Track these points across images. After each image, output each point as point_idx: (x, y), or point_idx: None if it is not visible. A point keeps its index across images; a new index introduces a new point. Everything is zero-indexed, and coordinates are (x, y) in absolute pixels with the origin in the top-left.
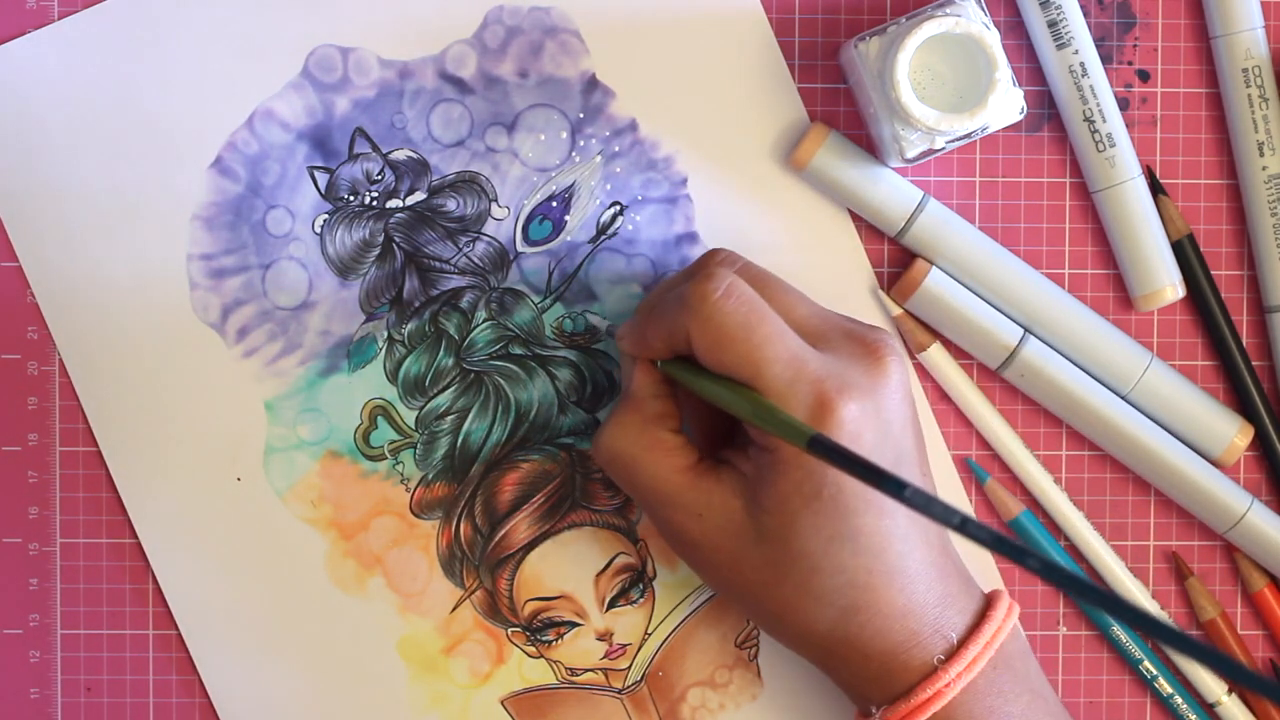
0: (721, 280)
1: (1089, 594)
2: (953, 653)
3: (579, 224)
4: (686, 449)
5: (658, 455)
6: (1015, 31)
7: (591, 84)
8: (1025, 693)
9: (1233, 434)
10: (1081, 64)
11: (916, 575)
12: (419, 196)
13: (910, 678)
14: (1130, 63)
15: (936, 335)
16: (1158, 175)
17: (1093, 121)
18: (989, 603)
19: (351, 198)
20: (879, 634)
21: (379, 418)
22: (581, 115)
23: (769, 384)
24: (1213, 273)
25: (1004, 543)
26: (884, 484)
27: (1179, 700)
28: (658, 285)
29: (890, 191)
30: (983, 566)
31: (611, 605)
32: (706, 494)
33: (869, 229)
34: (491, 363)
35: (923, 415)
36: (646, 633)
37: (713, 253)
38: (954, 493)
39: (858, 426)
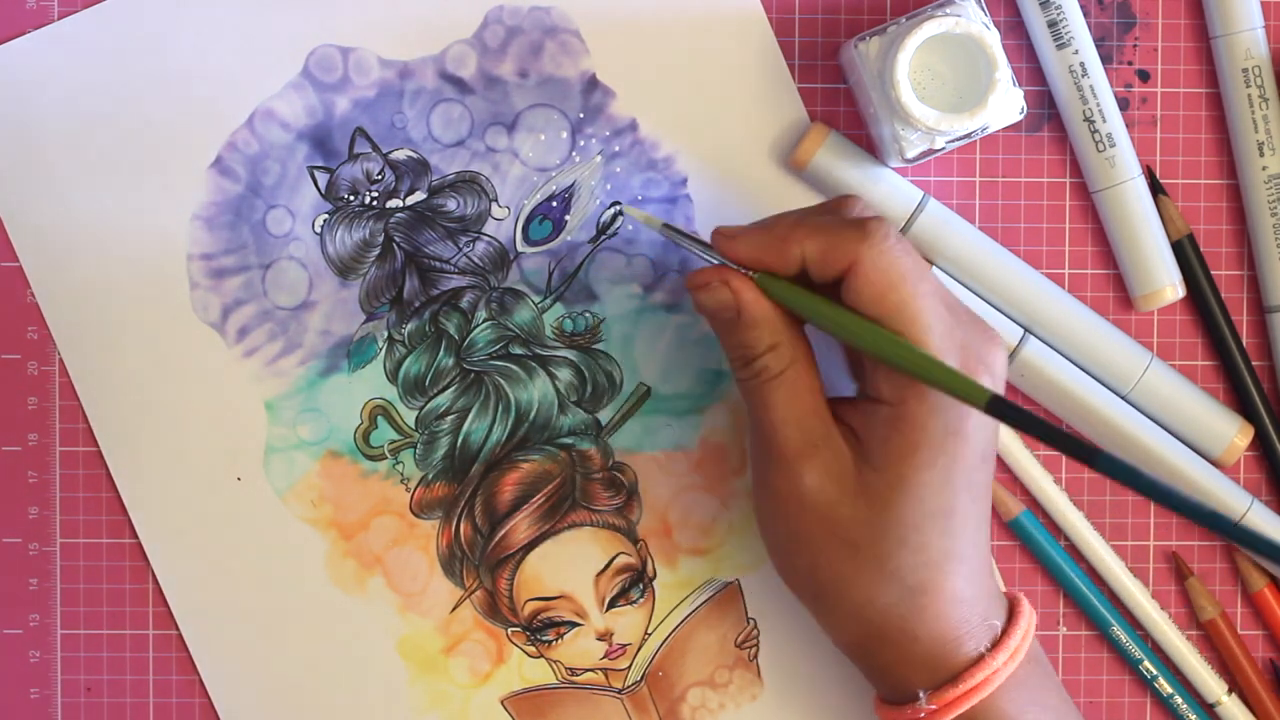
0: (888, 226)
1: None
2: (997, 642)
3: (579, 224)
4: (818, 378)
5: (803, 376)
6: (1015, 31)
7: (591, 84)
8: (1055, 690)
9: (1233, 434)
10: (1081, 64)
11: (979, 566)
12: (419, 196)
13: (959, 664)
14: (1130, 63)
15: None
16: (1158, 175)
17: (1093, 121)
18: (1013, 600)
19: (351, 197)
20: (937, 618)
21: (379, 418)
22: (581, 115)
23: (926, 332)
24: (1213, 273)
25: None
26: (1069, 448)
27: (1179, 700)
28: (787, 214)
29: (890, 191)
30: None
31: (611, 605)
32: (828, 425)
33: None
34: (491, 363)
35: None
36: (646, 633)
37: (856, 198)
38: None
39: None
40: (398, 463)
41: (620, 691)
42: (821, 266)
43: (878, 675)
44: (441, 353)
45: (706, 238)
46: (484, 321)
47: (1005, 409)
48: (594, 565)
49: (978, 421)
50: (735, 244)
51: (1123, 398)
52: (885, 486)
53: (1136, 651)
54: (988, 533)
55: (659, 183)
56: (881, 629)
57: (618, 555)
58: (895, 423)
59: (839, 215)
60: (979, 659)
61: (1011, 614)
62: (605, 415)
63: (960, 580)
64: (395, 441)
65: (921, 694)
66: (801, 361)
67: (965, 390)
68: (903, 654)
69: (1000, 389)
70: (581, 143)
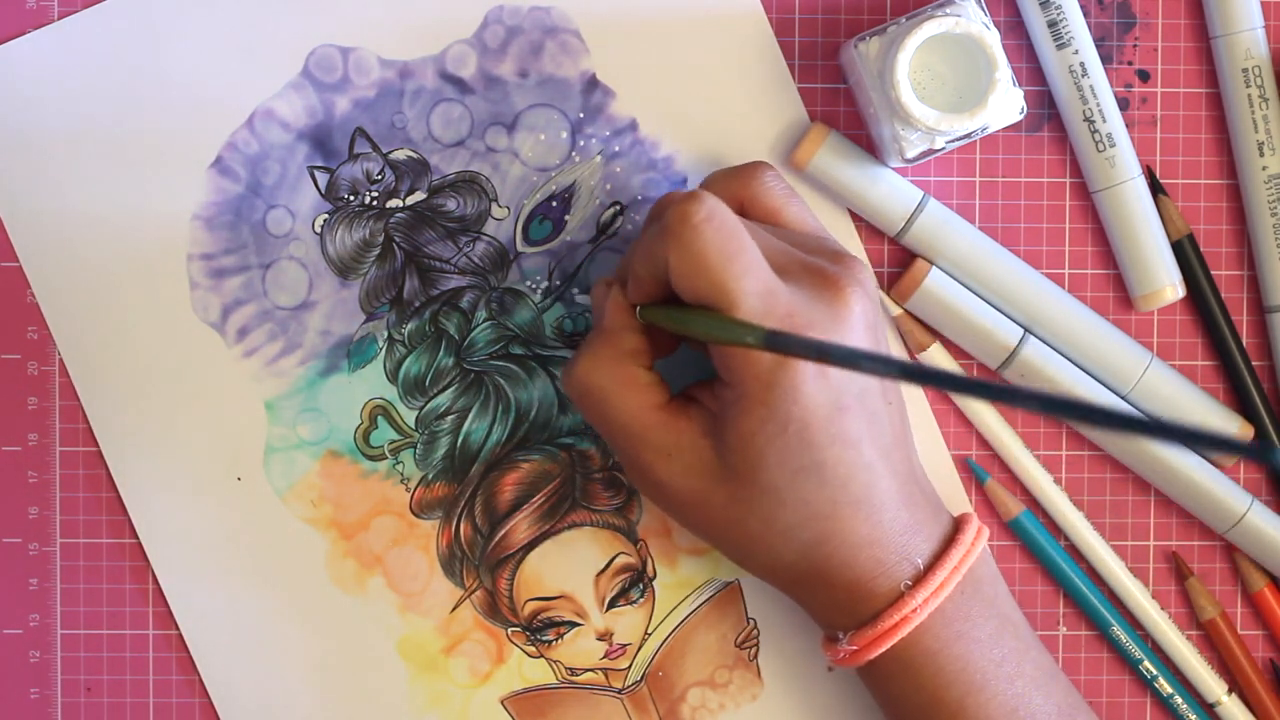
0: (703, 203)
1: (1050, 407)
2: (919, 578)
3: (579, 224)
4: (659, 386)
5: (630, 391)
6: (1015, 31)
7: (591, 84)
8: (994, 617)
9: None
10: (1081, 64)
11: (882, 505)
12: (419, 196)
13: (877, 604)
14: (1130, 63)
15: (936, 335)
16: (1158, 175)
17: (1093, 121)
18: (956, 527)
19: (351, 197)
20: (845, 564)
21: (379, 417)
22: (581, 115)
23: (742, 313)
24: (1213, 273)
25: (957, 380)
26: (835, 358)
27: (1179, 700)
28: (640, 235)
29: (890, 191)
30: (953, 495)
31: (611, 605)
32: (676, 433)
33: (869, 229)
34: (491, 363)
35: (923, 415)
36: (646, 633)
37: (676, 193)
38: (954, 492)
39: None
40: (398, 463)
41: (620, 691)
42: (662, 278)
43: (815, 618)
44: (441, 353)
45: None
46: (484, 321)
47: (782, 341)
48: (594, 565)
49: (813, 372)
50: (601, 288)
51: (1123, 398)
52: (744, 464)
53: (1136, 651)
54: (895, 474)
55: (659, 183)
56: (799, 580)
57: (618, 555)
58: (740, 401)
59: (658, 222)
60: (898, 598)
61: (949, 544)
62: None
63: (862, 525)
64: (395, 441)
65: (841, 635)
66: (637, 374)
67: (740, 334)
68: (826, 600)
69: (850, 338)
70: (581, 143)
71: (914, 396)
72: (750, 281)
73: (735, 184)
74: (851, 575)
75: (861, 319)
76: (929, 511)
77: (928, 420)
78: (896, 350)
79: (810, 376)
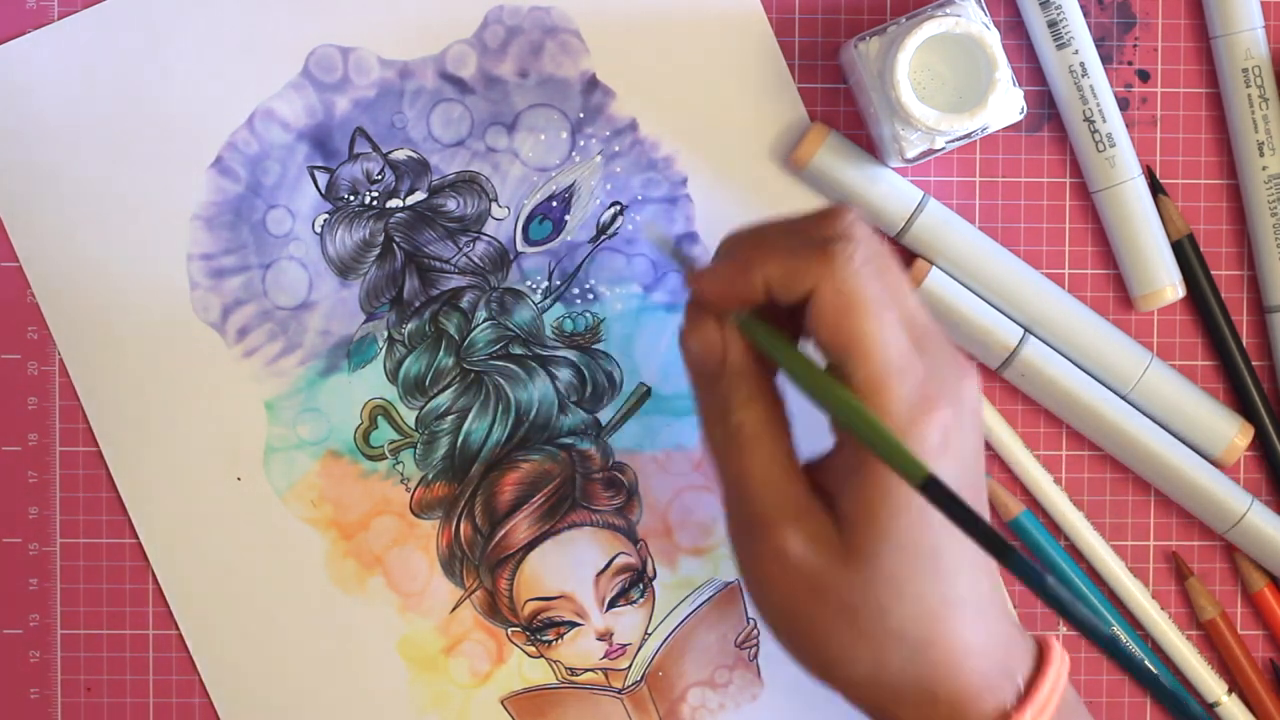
0: (866, 246)
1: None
2: (1023, 697)
3: (579, 224)
4: (786, 437)
5: (775, 436)
6: (1015, 31)
7: (591, 84)
8: None
9: (1233, 434)
10: (1081, 64)
11: (985, 608)
12: (419, 196)
13: None
14: (1130, 63)
15: None
16: (1158, 175)
17: (1093, 121)
18: (1043, 647)
19: (351, 197)
20: (950, 674)
21: (379, 417)
22: (581, 115)
23: (877, 368)
24: (1213, 273)
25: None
26: (988, 541)
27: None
28: (751, 227)
29: (890, 191)
30: None
31: (611, 605)
32: (804, 499)
33: None
34: (491, 363)
35: None
36: (646, 633)
37: (843, 209)
38: None
39: (947, 435)
40: (398, 463)
41: (620, 691)
42: (784, 292)
43: None
44: (441, 353)
45: (707, 239)
46: (484, 321)
47: (939, 494)
48: (594, 565)
49: (941, 443)
50: (700, 280)
51: (1123, 398)
52: (866, 540)
53: (1136, 651)
54: (993, 574)
55: (659, 183)
56: (898, 693)
57: (618, 555)
58: (863, 473)
59: (807, 234)
60: (1004, 718)
61: (1041, 662)
62: (605, 415)
63: (969, 630)
64: (395, 441)
65: None
66: (778, 421)
67: (903, 464)
68: (923, 716)
69: (967, 423)
70: (581, 143)
71: None
72: (893, 337)
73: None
74: (957, 688)
75: (980, 406)
76: (1016, 627)
77: None
78: None
79: (940, 448)
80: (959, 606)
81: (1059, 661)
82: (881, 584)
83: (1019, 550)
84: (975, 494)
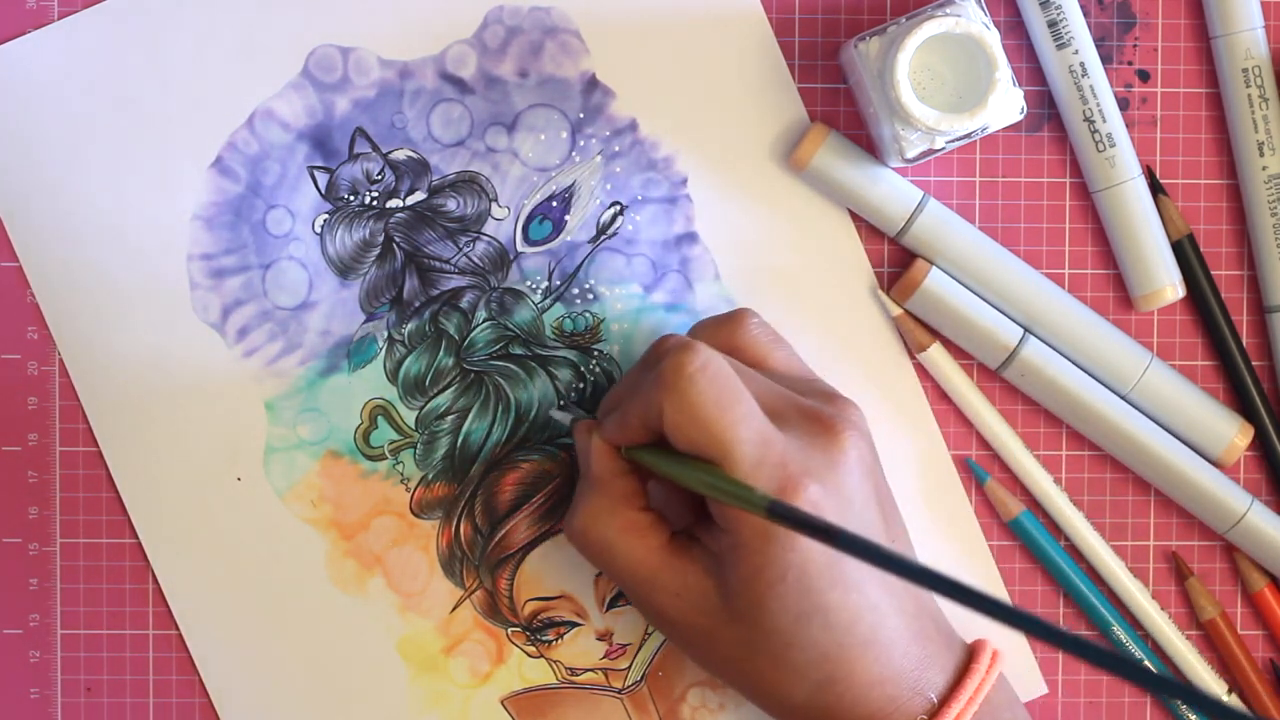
0: (698, 353)
1: (1056, 639)
2: (934, 712)
3: (579, 224)
4: (659, 526)
5: (632, 537)
6: (1015, 31)
7: (591, 84)
8: None
9: (1233, 434)
10: (1081, 64)
11: (891, 643)
12: (419, 196)
13: None
14: (1130, 63)
15: (936, 335)
16: (1158, 175)
17: (1093, 121)
18: (973, 654)
19: (351, 198)
20: (856, 703)
21: (379, 417)
22: (581, 115)
23: (737, 464)
24: (1213, 273)
25: (968, 592)
26: (840, 543)
27: (1179, 700)
28: (625, 374)
29: (890, 191)
30: (953, 495)
31: (611, 605)
32: (681, 573)
33: (869, 229)
34: (491, 363)
35: (923, 415)
36: (646, 633)
37: (664, 339)
38: (954, 493)
39: (818, 509)
40: (398, 463)
41: (620, 691)
42: (653, 425)
43: None
44: (441, 353)
45: (707, 239)
46: (484, 321)
47: (785, 513)
48: (594, 565)
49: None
50: (586, 435)
51: (1123, 398)
52: (748, 606)
53: (1136, 651)
54: (900, 610)
55: (659, 183)
56: (809, 717)
57: None
58: (737, 548)
59: (648, 368)
60: None
61: (965, 672)
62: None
63: (872, 665)
64: (395, 441)
65: None
66: (636, 519)
67: (747, 501)
68: None
69: (847, 477)
70: (581, 143)
71: (913, 393)
72: (745, 430)
73: (722, 332)
74: (864, 713)
75: (858, 464)
76: (941, 643)
77: (927, 420)
78: (922, 408)
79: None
80: (859, 649)
81: (981, 672)
82: (768, 639)
83: (894, 553)
84: (881, 532)
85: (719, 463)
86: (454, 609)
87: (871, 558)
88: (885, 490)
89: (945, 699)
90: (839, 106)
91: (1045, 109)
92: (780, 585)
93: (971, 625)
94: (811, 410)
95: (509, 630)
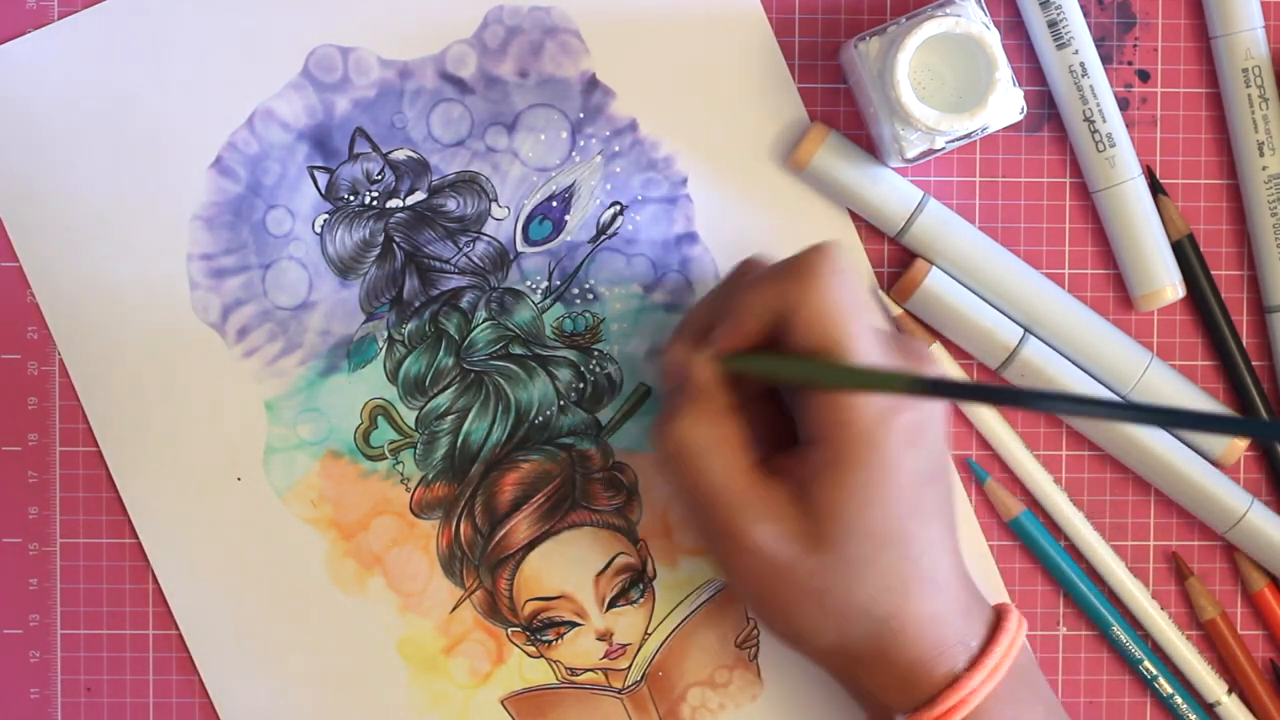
0: (840, 254)
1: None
2: (975, 660)
3: (579, 224)
4: (751, 448)
5: (728, 450)
6: (1015, 31)
7: (591, 84)
8: (1040, 703)
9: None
10: (1081, 64)
11: (946, 584)
12: (419, 196)
13: (935, 685)
14: (1130, 63)
15: (936, 335)
16: (1158, 175)
17: (1093, 121)
18: (1000, 615)
19: (351, 198)
20: (910, 642)
21: (379, 417)
22: (581, 115)
23: (864, 359)
24: (1213, 273)
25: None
26: (995, 398)
27: (1179, 700)
28: (706, 296)
29: (890, 191)
30: (988, 580)
31: (611, 605)
32: (768, 498)
33: (869, 229)
34: (491, 363)
35: None
36: (646, 633)
37: (817, 245)
38: (954, 493)
39: (915, 432)
40: (398, 463)
41: (620, 691)
42: (770, 318)
43: (861, 698)
44: (441, 353)
45: (707, 239)
46: (484, 321)
47: (928, 385)
48: (594, 565)
49: (910, 439)
50: (711, 348)
51: (1123, 398)
52: (833, 529)
53: (1136, 651)
54: (955, 553)
55: (659, 183)
56: (860, 658)
57: (618, 555)
58: (829, 464)
59: (786, 267)
60: (955, 679)
61: (996, 629)
62: (605, 415)
63: (927, 603)
64: (395, 441)
65: (899, 717)
66: (734, 437)
67: (886, 382)
68: (881, 678)
69: (932, 421)
70: (581, 143)
71: None
72: (871, 334)
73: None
74: (914, 654)
75: (938, 411)
76: (976, 597)
77: None
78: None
79: (908, 443)
80: (919, 584)
81: (1013, 630)
82: (848, 568)
83: (1021, 389)
84: (943, 482)
85: (844, 359)
86: (454, 609)
87: (1041, 401)
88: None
89: (984, 649)
90: (839, 106)
91: (1045, 109)
92: (871, 508)
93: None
94: (911, 352)
95: (509, 630)
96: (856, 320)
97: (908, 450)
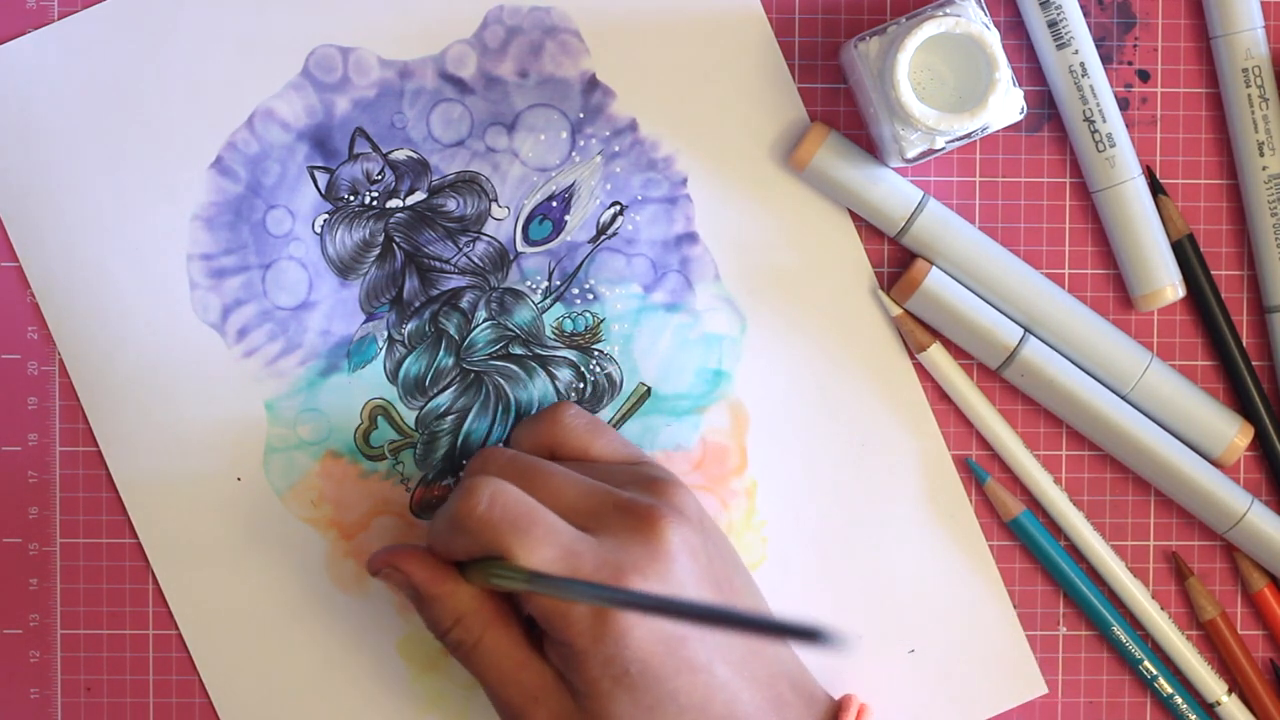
0: (483, 492)
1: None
2: None
3: (579, 224)
4: (524, 632)
5: (501, 627)
6: (1015, 31)
7: (591, 84)
8: None
9: (1233, 434)
10: (1081, 64)
11: (748, 717)
12: (419, 196)
13: None
14: (1130, 63)
15: (936, 335)
16: (1158, 175)
17: (1093, 121)
18: (837, 712)
19: (351, 198)
20: None
21: (379, 418)
22: (581, 115)
23: (532, 560)
24: (1213, 273)
25: (797, 630)
26: (619, 601)
27: (1179, 700)
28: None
29: (890, 191)
30: (989, 580)
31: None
32: (540, 676)
33: (869, 229)
34: (491, 363)
35: (923, 414)
36: None
37: (474, 459)
38: (954, 493)
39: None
40: (398, 463)
41: None
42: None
43: None
44: (441, 353)
45: (707, 239)
46: (484, 321)
47: (543, 583)
48: None
49: (627, 623)
50: (425, 558)
51: (1123, 398)
52: (600, 709)
53: (1136, 651)
54: (760, 677)
55: (659, 183)
56: None
57: None
58: (575, 656)
59: (454, 501)
60: None
61: None
62: (605, 415)
63: None
64: (395, 441)
65: None
66: (496, 623)
67: (511, 580)
68: None
69: (671, 564)
70: (581, 143)
71: (913, 393)
72: (547, 550)
73: (540, 430)
74: None
75: (683, 548)
76: (802, 706)
77: (928, 420)
78: (922, 408)
79: (633, 617)
80: None
81: None
82: None
83: (672, 599)
84: (726, 596)
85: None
86: None
87: (669, 611)
88: (725, 566)
89: None
90: (839, 106)
91: (1045, 109)
92: (625, 680)
93: (837, 681)
94: (628, 503)
95: None
96: (521, 546)
97: (640, 620)
